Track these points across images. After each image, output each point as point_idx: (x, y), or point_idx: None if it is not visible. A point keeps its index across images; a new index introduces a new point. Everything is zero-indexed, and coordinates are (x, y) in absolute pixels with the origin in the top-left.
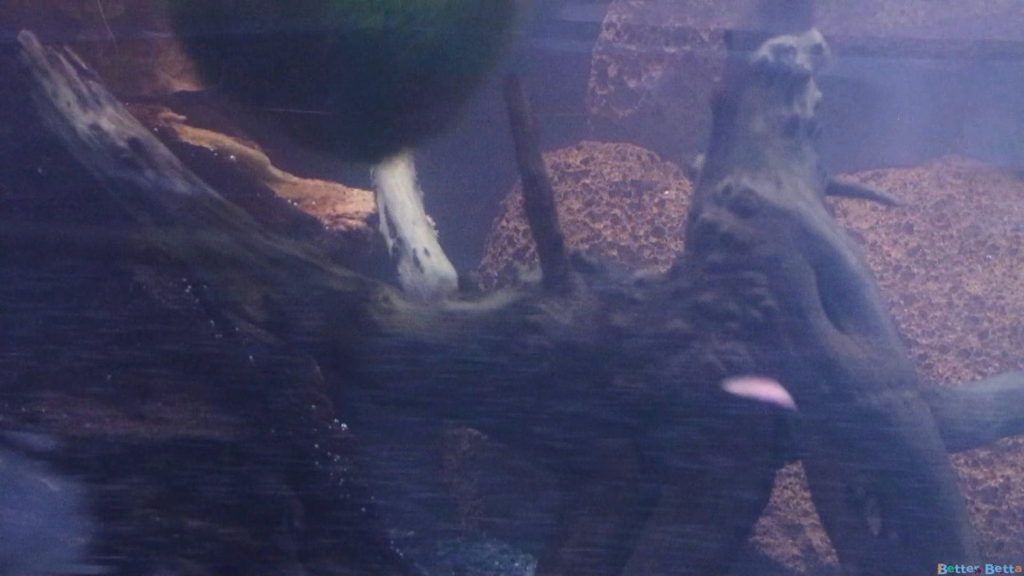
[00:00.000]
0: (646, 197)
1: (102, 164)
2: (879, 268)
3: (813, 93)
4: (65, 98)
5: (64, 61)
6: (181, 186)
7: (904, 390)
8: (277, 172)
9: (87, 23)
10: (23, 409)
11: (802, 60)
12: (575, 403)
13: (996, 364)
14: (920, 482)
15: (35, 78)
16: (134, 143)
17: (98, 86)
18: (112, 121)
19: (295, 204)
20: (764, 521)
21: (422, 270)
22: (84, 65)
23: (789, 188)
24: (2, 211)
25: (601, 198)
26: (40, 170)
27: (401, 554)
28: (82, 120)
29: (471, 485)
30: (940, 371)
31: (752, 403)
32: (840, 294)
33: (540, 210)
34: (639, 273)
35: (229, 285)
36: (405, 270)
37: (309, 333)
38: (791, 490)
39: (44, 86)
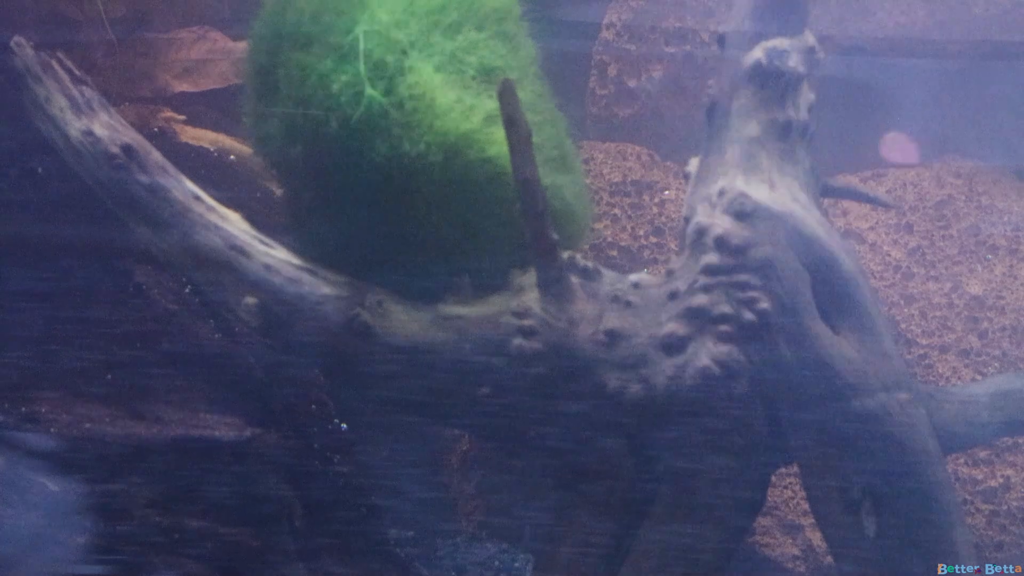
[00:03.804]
0: (646, 197)
1: (95, 170)
2: (879, 268)
3: (807, 95)
4: (58, 104)
5: (57, 67)
6: (175, 191)
7: (899, 392)
8: None
9: (87, 24)
10: (23, 409)
11: (796, 62)
12: (571, 405)
13: (996, 364)
14: (915, 483)
15: (28, 84)
16: (127, 149)
17: (91, 92)
18: (105, 127)
19: None
20: (764, 521)
21: None
22: (77, 71)
23: (783, 191)
24: (2, 211)
25: (601, 198)
26: (40, 170)
27: (401, 554)
28: (75, 126)
29: (471, 485)
30: (940, 371)
31: (748, 404)
32: (835, 296)
33: (534, 214)
34: (634, 276)
35: (223, 291)
36: None
37: (303, 338)
38: (791, 490)
39: (37, 92)
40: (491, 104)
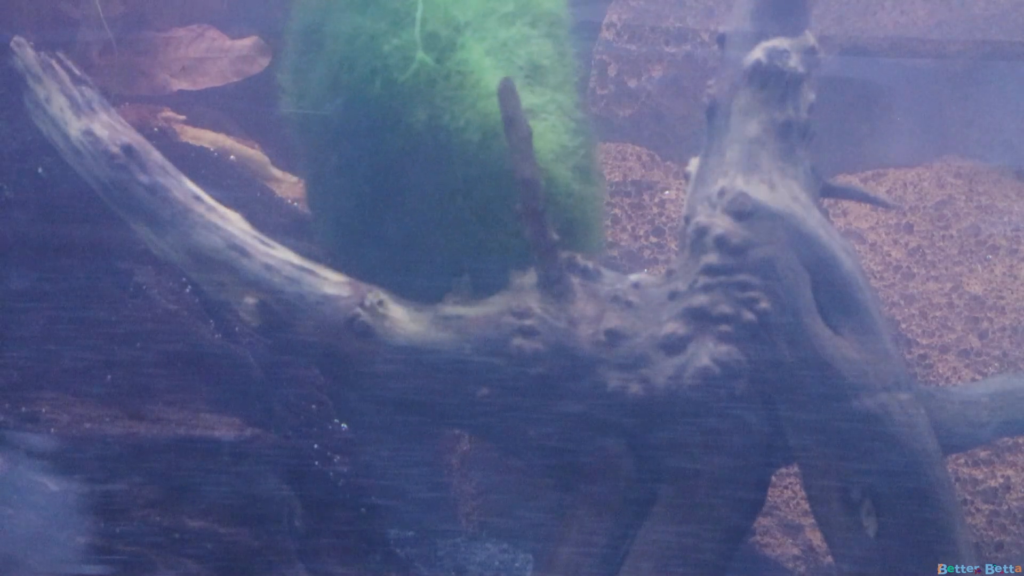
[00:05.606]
0: (646, 197)
1: (95, 170)
2: (879, 268)
3: (807, 95)
4: (58, 104)
5: (57, 67)
6: (175, 191)
7: (899, 392)
8: (277, 172)
9: (86, 23)
10: (23, 409)
11: (796, 62)
12: (571, 405)
13: (996, 364)
14: (915, 483)
15: (28, 84)
16: (127, 149)
17: (91, 92)
18: (105, 127)
19: (295, 204)
20: (764, 521)
21: None
22: (77, 71)
23: (783, 191)
24: (2, 211)
25: None
26: (40, 170)
27: (401, 554)
28: (75, 126)
29: (471, 485)
30: (940, 371)
31: (748, 404)
32: (835, 296)
33: (534, 214)
34: (634, 276)
35: (223, 291)
36: None
37: (303, 338)
38: (791, 490)
39: (37, 92)
40: (533, 99)
